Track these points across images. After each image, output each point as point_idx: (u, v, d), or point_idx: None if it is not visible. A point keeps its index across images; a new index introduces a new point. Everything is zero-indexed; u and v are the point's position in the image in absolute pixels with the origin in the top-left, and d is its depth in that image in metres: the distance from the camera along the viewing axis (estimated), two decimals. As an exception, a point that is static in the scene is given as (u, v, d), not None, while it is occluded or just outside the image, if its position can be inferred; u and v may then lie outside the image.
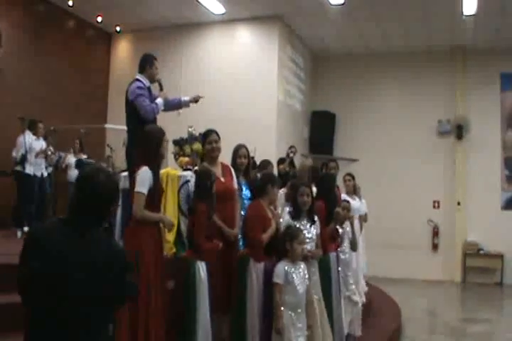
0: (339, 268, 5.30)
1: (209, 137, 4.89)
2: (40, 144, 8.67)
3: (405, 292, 10.29)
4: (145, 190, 3.90)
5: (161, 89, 5.71)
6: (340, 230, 5.42)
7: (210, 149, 4.84)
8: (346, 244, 5.52)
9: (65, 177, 9.41)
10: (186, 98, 5.82)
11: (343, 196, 7.06)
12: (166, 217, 4.12)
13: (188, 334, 3.86)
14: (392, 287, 9.75)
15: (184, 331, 3.88)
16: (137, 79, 5.54)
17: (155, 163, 4.07)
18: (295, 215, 4.56)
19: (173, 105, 5.80)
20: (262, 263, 4.20)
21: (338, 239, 5.24)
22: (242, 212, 4.85)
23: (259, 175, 4.87)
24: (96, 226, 2.27)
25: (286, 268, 4.05)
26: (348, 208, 5.69)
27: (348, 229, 5.68)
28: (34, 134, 8.50)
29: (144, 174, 3.94)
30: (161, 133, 4.20)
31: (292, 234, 4.14)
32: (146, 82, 5.58)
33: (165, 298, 3.92)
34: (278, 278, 4.02)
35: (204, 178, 4.21)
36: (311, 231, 4.53)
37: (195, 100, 5.87)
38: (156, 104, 5.45)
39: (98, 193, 2.24)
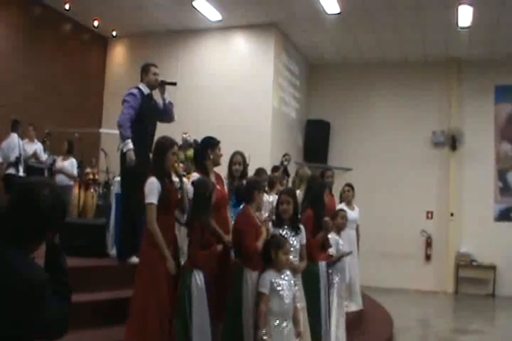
0: (336, 278, 5.29)
1: (218, 145, 4.86)
2: (32, 148, 8.60)
3: (398, 302, 10.26)
4: (155, 200, 3.96)
5: (170, 84, 5.81)
6: (337, 238, 5.41)
7: (219, 156, 4.85)
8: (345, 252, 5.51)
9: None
10: (130, 146, 5.35)
11: (341, 206, 7.06)
12: (170, 261, 3.94)
13: None
14: (385, 297, 9.71)
15: (182, 339, 3.85)
16: (136, 87, 5.59)
17: (160, 173, 4.10)
18: (277, 223, 4.47)
19: (124, 136, 5.45)
20: (256, 272, 4.12)
21: (328, 248, 5.17)
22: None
23: (245, 181, 4.80)
24: (16, 249, 1.84)
25: (271, 277, 3.96)
26: (344, 217, 5.67)
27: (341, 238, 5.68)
28: (19, 136, 8.40)
29: (151, 184, 4.01)
30: (167, 144, 4.21)
31: (277, 244, 4.03)
32: (146, 90, 5.61)
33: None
34: (263, 288, 3.92)
35: (203, 189, 4.15)
36: (293, 241, 4.40)
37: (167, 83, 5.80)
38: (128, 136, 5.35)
39: (35, 211, 1.86)
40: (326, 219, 5.11)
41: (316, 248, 4.91)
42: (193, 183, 4.31)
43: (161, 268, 3.90)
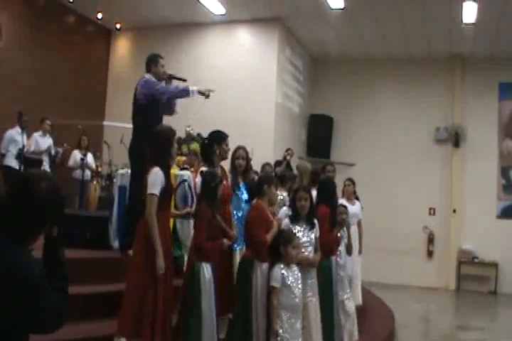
0: (341, 272, 5.33)
1: (225, 140, 4.95)
2: (46, 142, 8.70)
3: (399, 298, 10.25)
4: (157, 192, 3.88)
5: (180, 79, 5.72)
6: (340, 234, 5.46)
7: (226, 150, 4.94)
8: (342, 248, 5.53)
9: (69, 173, 9.39)
10: (194, 88, 5.42)
11: (341, 201, 7.05)
12: (160, 260, 3.78)
13: (194, 334, 3.84)
14: (387, 293, 9.69)
15: (190, 331, 3.86)
16: (143, 77, 5.54)
17: (166, 164, 4.05)
18: (294, 219, 4.55)
19: (180, 91, 5.48)
20: (266, 264, 4.17)
21: (339, 244, 5.31)
22: (239, 214, 4.89)
23: (256, 177, 4.88)
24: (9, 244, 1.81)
25: (282, 271, 4.03)
26: (345, 213, 5.68)
27: (345, 234, 5.70)
28: (22, 128, 8.45)
29: (156, 175, 3.92)
30: (171, 134, 4.16)
31: (287, 238, 4.12)
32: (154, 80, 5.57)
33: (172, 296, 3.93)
34: (275, 282, 3.99)
35: (210, 179, 4.18)
36: (309, 235, 4.51)
37: (204, 94, 5.51)
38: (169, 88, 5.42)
39: (31, 204, 1.84)
40: (344, 217, 5.35)
41: (334, 244, 5.05)
42: (201, 172, 4.36)
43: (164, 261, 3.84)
